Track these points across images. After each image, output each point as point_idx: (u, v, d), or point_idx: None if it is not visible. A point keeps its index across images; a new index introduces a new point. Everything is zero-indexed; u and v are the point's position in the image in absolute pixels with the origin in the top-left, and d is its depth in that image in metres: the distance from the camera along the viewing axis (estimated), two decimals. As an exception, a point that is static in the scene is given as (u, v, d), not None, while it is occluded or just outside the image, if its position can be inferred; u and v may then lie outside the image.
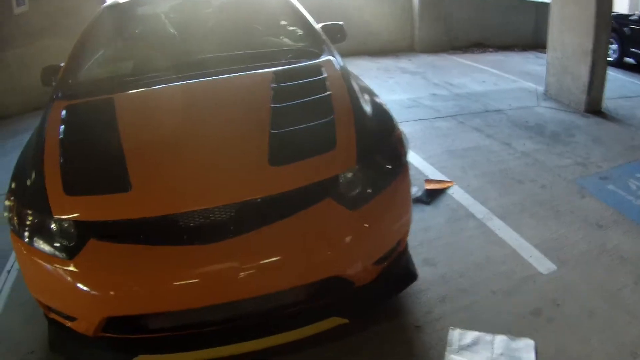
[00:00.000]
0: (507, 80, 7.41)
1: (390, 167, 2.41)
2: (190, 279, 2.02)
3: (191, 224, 2.08)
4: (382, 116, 2.70)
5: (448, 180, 4.26)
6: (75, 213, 2.13)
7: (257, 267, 2.03)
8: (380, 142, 2.47)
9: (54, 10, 7.56)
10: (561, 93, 6.31)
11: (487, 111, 5.96)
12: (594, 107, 5.97)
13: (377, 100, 2.85)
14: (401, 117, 5.59)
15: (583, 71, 5.92)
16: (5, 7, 7.05)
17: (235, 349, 2.14)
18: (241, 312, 2.18)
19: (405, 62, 8.71)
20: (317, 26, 3.70)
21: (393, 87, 7.09)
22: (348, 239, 2.16)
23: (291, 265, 2.07)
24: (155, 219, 2.07)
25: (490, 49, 9.55)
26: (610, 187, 4.13)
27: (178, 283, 2.02)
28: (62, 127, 2.62)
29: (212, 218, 2.08)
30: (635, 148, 4.93)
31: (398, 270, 2.49)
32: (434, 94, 6.65)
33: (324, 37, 3.52)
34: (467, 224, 3.62)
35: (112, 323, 2.13)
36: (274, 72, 2.89)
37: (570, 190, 4.07)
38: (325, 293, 2.23)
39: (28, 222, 2.21)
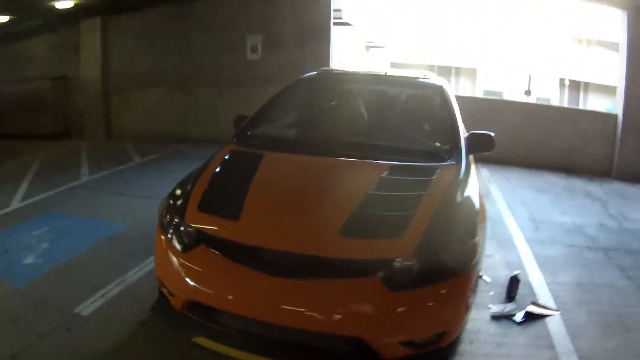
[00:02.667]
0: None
1: (447, 268, 2.70)
2: (254, 296, 2.70)
3: (271, 258, 2.76)
4: (465, 225, 2.97)
5: (555, 308, 4.22)
6: (199, 224, 3.05)
7: (303, 304, 2.61)
8: (448, 245, 2.76)
9: (282, 62, 9.08)
10: None
11: (651, 252, 5.72)
12: None
13: (472, 211, 3.13)
14: (556, 239, 5.80)
15: None
16: (240, 54, 9.23)
17: None
18: (282, 335, 2.71)
19: (593, 186, 8.56)
20: (462, 132, 4.04)
21: (566, 209, 7.14)
22: (376, 312, 2.58)
23: (326, 312, 2.57)
24: (249, 246, 2.84)
25: None
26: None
27: (244, 295, 2.73)
28: (220, 163, 3.68)
29: (286, 260, 2.74)
30: None
31: None
32: (602, 224, 6.58)
33: (462, 143, 3.86)
34: (541, 354, 3.64)
35: (193, 306, 2.91)
36: (391, 165, 3.47)
37: None
38: (353, 350, 2.61)
39: (170, 221, 3.18)
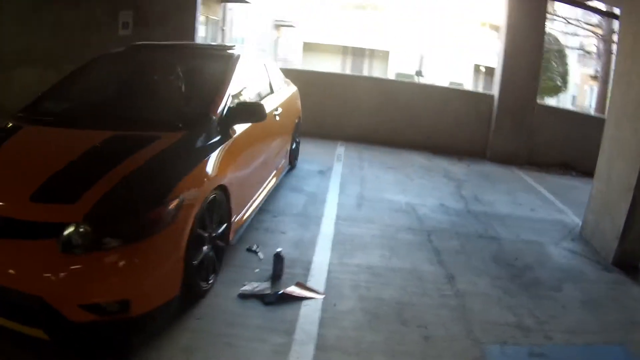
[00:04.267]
0: (553, 209, 6.11)
1: (121, 235, 2.60)
2: None
3: None
4: (155, 193, 2.83)
5: (320, 292, 3.49)
6: None
7: None
8: (123, 212, 2.70)
9: (151, 38, 8.12)
10: (595, 235, 4.97)
11: (480, 236, 4.87)
12: (627, 261, 4.57)
13: (172, 179, 2.97)
14: (374, 218, 5.02)
15: (621, 212, 4.56)
16: (113, 30, 8.71)
17: None
18: None
19: (459, 167, 7.71)
20: (226, 101, 3.88)
21: (410, 188, 6.24)
22: (49, 273, 2.51)
23: (6, 270, 2.53)
24: None
25: (575, 173, 8.08)
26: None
27: None
28: None
29: None
30: (636, 325, 3.58)
31: (114, 330, 2.66)
32: (444, 205, 5.67)
33: (217, 112, 3.72)
34: (273, 339, 2.94)
35: None
36: (112, 135, 3.40)
37: (462, 356, 2.99)
38: (40, 309, 2.50)
39: None
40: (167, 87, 4.42)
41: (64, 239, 2.53)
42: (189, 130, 3.46)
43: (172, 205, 2.81)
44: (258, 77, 5.09)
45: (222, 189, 3.44)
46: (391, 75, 26.52)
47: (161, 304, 2.79)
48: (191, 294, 3.11)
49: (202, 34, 15.02)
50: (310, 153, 7.30)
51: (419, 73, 25.23)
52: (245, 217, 4.16)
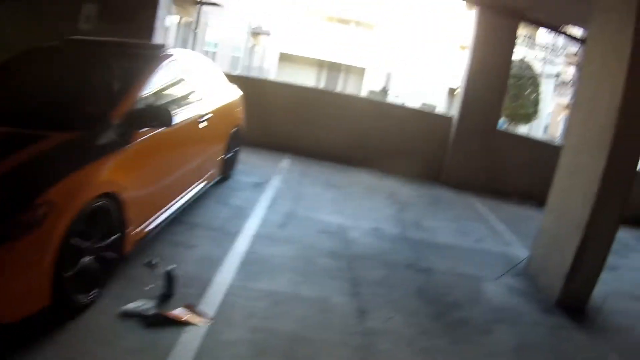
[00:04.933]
0: (501, 240, 5.86)
1: None
2: None
3: None
4: (19, 195, 2.65)
5: (209, 317, 3.14)
6: None
7: None
8: None
9: (114, 34, 7.92)
10: (542, 271, 4.74)
11: (409, 266, 4.55)
12: (571, 302, 4.34)
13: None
14: (296, 239, 4.66)
15: (571, 248, 4.31)
16: (74, 24, 8.33)
17: None
18: None
19: (408, 190, 7.43)
20: (133, 103, 3.65)
21: (347, 208, 5.90)
22: None
23: None
24: None
25: (534, 203, 7.77)
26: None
27: None
28: None
29: None
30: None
31: None
32: (378, 229, 5.33)
33: (118, 115, 3.48)
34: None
35: None
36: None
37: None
38: None
39: None
40: (76, 85, 4.17)
41: None
42: (80, 131, 3.23)
43: (37, 211, 2.60)
44: (186, 81, 4.79)
45: (112, 197, 3.15)
46: (364, 92, 26.49)
47: (27, 314, 2.61)
48: (66, 307, 2.86)
49: (172, 35, 14.62)
50: (253, 164, 6.97)
51: (384, 91, 25.29)
52: (149, 228, 3.82)
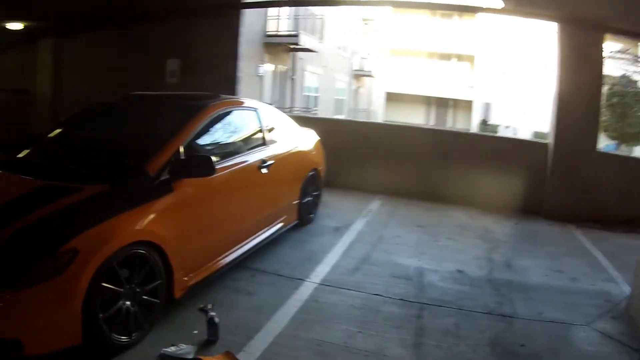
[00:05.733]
0: (602, 277, 5.08)
1: (4, 278, 2.72)
2: None
3: None
4: (46, 242, 2.85)
5: None
6: None
7: None
8: (13, 259, 2.78)
9: (196, 87, 8.41)
10: None
11: (488, 313, 4.06)
12: None
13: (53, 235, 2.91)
14: (365, 285, 4.39)
15: None
16: (161, 78, 9.20)
17: None
18: None
19: (504, 226, 6.79)
20: (176, 154, 3.71)
21: (429, 250, 5.49)
22: None
23: None
24: None
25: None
26: None
27: None
28: None
29: None
30: None
31: None
32: (461, 272, 4.89)
33: (160, 166, 3.60)
34: None
35: None
36: (38, 184, 3.47)
37: None
38: None
39: None
40: (120, 139, 4.40)
41: None
42: (115, 183, 3.41)
43: (61, 258, 2.79)
44: (241, 129, 4.87)
45: (150, 245, 3.24)
46: (474, 125, 25.73)
47: (57, 349, 2.80)
48: (102, 346, 2.99)
49: (268, 84, 15.16)
50: (339, 207, 6.87)
51: (484, 122, 24.32)
52: (204, 275, 3.84)
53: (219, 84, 8.18)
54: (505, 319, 3.98)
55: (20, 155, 4.16)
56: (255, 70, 13.94)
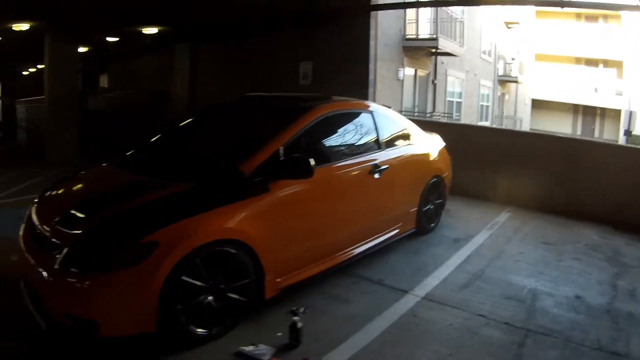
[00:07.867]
0: None
1: (85, 263, 2.99)
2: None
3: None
4: (127, 233, 3.08)
5: None
6: None
7: None
8: (96, 247, 3.04)
9: (329, 87, 8.69)
10: None
11: (599, 349, 3.61)
12: None
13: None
14: (470, 304, 4.19)
15: None
16: (294, 80, 9.72)
17: None
18: None
19: (635, 250, 5.96)
20: (274, 154, 3.83)
21: (550, 271, 5.05)
22: (48, 279, 3.06)
23: None
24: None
25: None
26: None
27: None
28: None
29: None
30: None
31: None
32: (579, 298, 4.45)
33: (253, 166, 3.70)
34: None
35: None
36: (140, 180, 3.87)
37: None
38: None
39: None
40: (221, 139, 4.63)
41: (60, 258, 3.01)
42: (202, 181, 3.55)
43: (140, 249, 2.98)
44: (349, 132, 4.82)
45: (239, 244, 3.37)
46: (621, 136, 23.39)
47: (131, 334, 3.01)
48: (179, 336, 3.16)
49: (409, 88, 14.95)
50: (463, 217, 6.66)
51: (628, 133, 21.74)
52: (300, 278, 3.91)
53: (350, 87, 8.32)
54: (617, 357, 3.55)
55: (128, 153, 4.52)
56: (395, 74, 13.84)
